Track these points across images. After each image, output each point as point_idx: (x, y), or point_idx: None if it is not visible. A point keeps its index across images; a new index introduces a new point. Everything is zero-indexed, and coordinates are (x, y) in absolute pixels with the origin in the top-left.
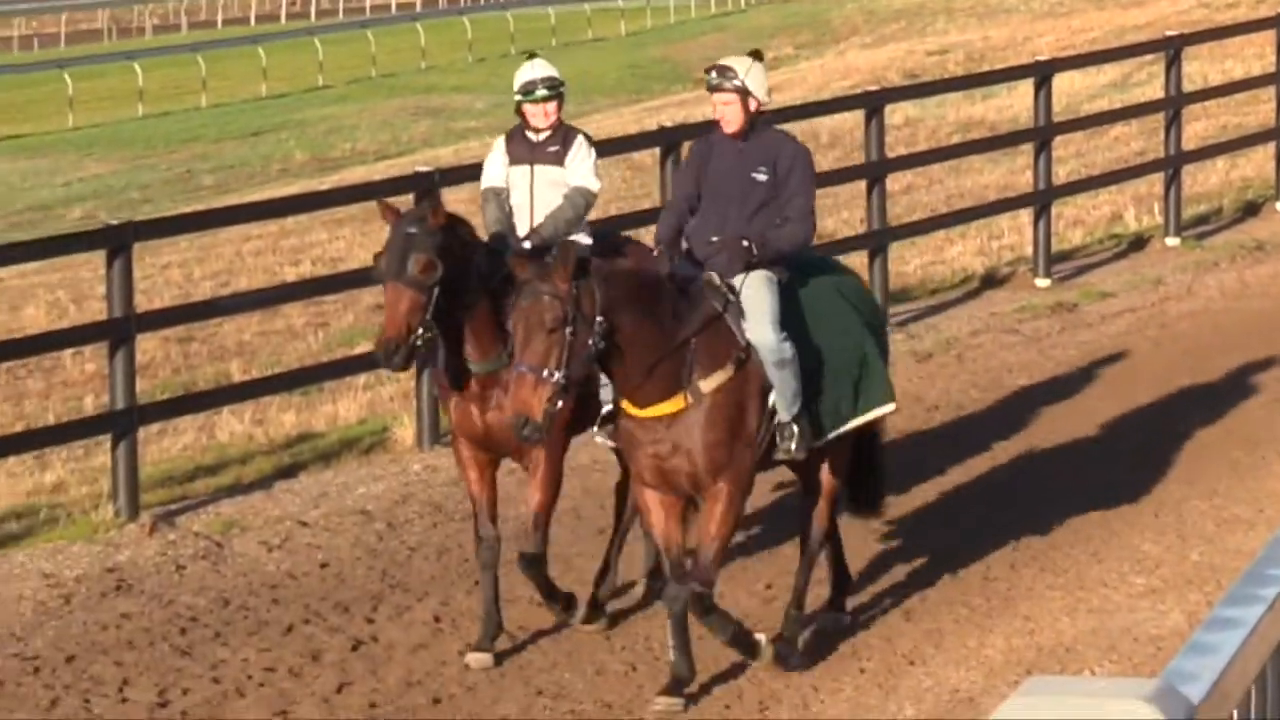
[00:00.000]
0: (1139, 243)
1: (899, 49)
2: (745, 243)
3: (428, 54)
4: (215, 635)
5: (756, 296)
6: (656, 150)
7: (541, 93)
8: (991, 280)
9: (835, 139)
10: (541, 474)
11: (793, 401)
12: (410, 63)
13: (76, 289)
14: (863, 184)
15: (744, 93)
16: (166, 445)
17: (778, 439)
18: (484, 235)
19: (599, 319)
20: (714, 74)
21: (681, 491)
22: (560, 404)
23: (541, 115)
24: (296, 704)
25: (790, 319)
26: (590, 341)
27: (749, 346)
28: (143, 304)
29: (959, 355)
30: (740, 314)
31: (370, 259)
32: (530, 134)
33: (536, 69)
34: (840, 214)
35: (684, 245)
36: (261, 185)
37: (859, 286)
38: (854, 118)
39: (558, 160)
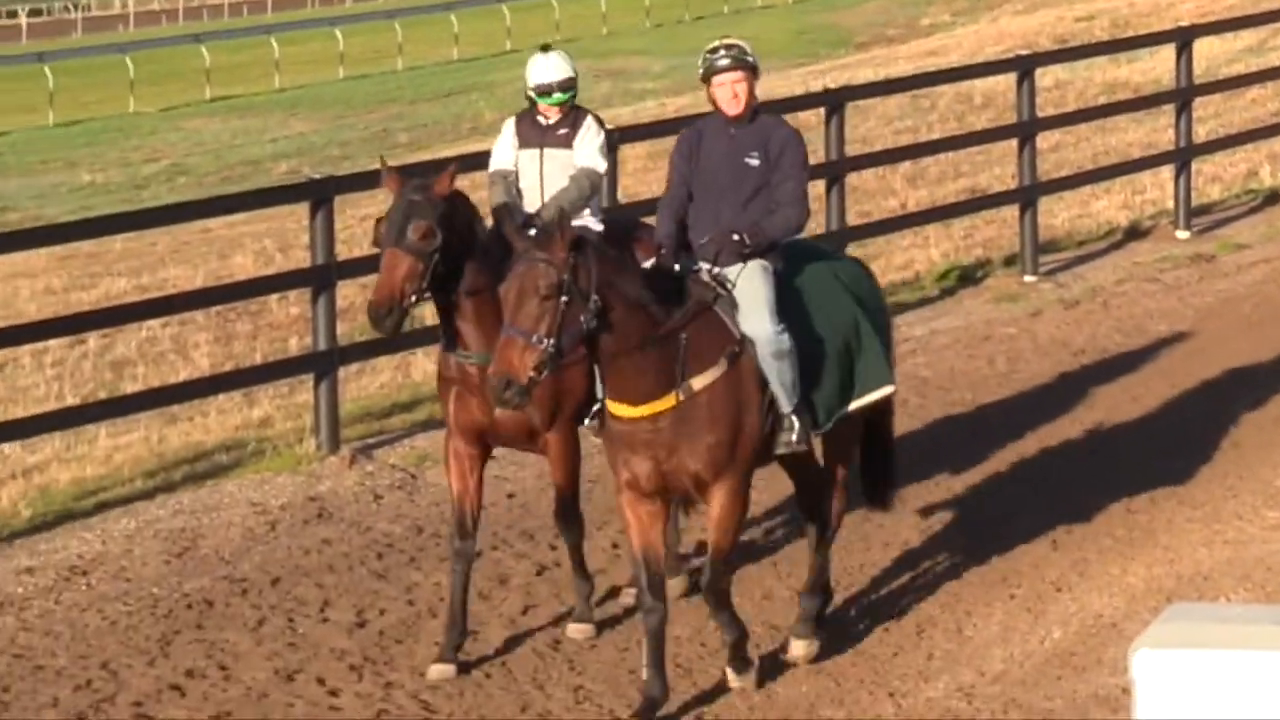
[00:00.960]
0: (1273, 197)
1: (1049, 15)
2: (736, 236)
3: (608, 19)
4: (409, 560)
5: (752, 288)
6: (821, 110)
7: (558, 96)
8: (1135, 232)
9: (989, 100)
10: (557, 454)
11: (792, 392)
12: (592, 28)
13: (282, 238)
14: (1014, 142)
15: (755, 71)
16: (365, 383)
17: (778, 431)
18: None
19: (594, 296)
20: (721, 52)
21: (679, 494)
22: (545, 373)
23: (555, 113)
24: (485, 625)
25: (786, 307)
26: (583, 317)
27: (743, 340)
28: (343, 253)
29: (1104, 302)
30: (734, 306)
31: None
32: (541, 118)
33: (551, 70)
34: (993, 170)
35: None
36: (453, 142)
37: (855, 270)
38: (1006, 80)
39: (567, 143)
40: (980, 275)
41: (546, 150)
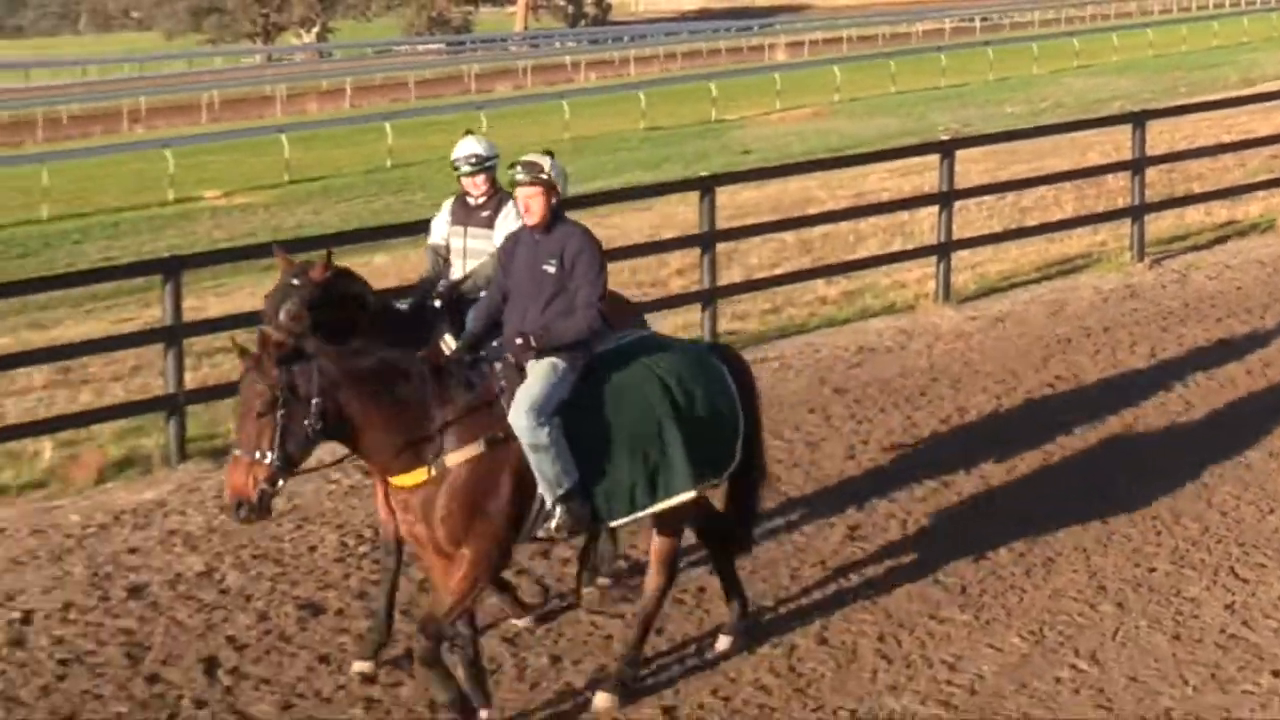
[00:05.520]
0: None
1: None
2: (520, 340)
3: None
4: (1161, 328)
5: (527, 383)
6: None
7: (467, 169)
8: None
9: None
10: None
11: (555, 484)
12: None
13: (1115, 143)
14: None
15: (550, 186)
16: (1163, 224)
17: (544, 519)
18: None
19: (315, 400)
20: (520, 169)
21: (436, 554)
22: (280, 483)
23: (473, 186)
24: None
25: (582, 403)
26: (306, 422)
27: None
28: (1152, 151)
29: None
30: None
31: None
32: (469, 199)
33: (466, 147)
34: None
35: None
36: (1223, 91)
37: (696, 368)
38: None
39: (489, 224)
40: None
41: (470, 229)
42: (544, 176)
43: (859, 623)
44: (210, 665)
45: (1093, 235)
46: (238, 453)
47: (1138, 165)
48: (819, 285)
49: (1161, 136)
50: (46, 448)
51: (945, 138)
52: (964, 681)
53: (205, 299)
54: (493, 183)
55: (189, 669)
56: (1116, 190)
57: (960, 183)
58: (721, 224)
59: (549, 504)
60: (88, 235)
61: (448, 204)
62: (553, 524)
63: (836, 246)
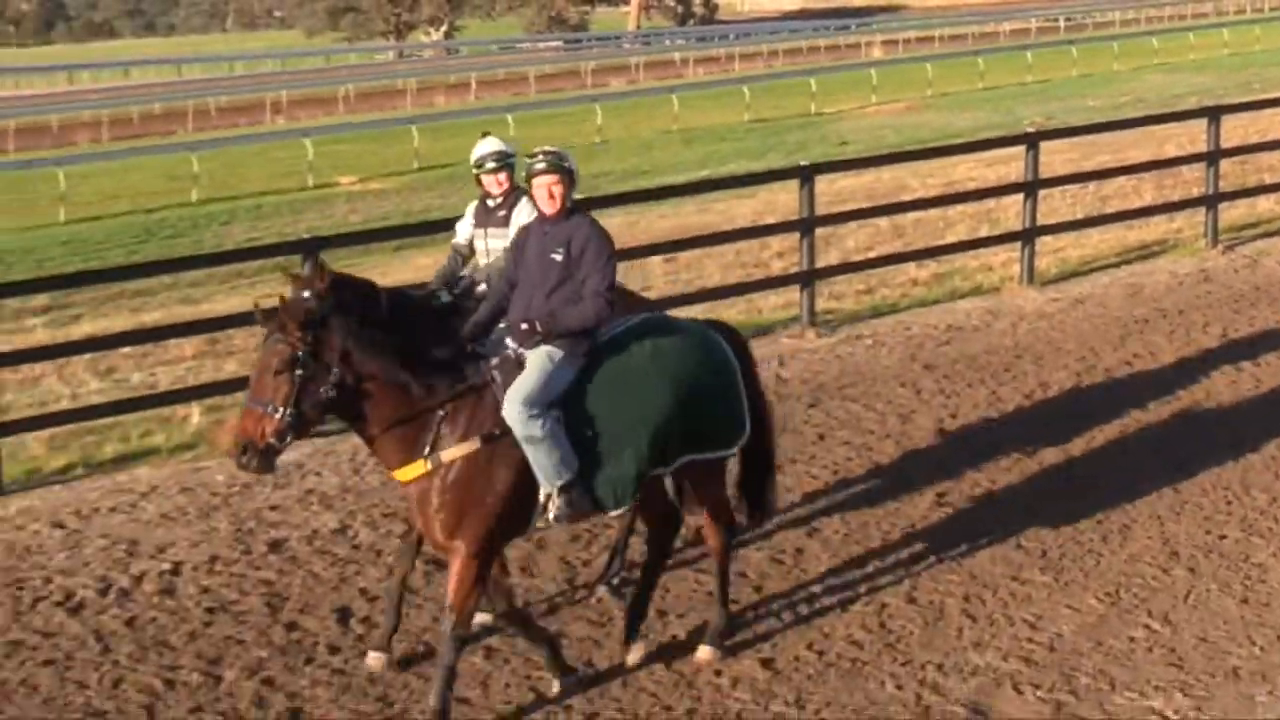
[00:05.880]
0: None
1: None
2: (525, 326)
3: None
4: (1233, 310)
5: (521, 375)
6: None
7: (490, 165)
8: None
9: None
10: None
11: (553, 474)
12: None
13: (1191, 136)
14: None
15: (570, 175)
16: (1235, 213)
17: (544, 508)
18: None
19: (334, 368)
20: (540, 157)
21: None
22: (287, 440)
23: (494, 184)
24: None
25: (585, 392)
26: (323, 389)
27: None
28: (1225, 145)
29: None
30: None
31: None
32: (489, 201)
33: (487, 146)
34: None
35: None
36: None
37: (698, 343)
38: None
39: (505, 223)
40: None
41: (490, 230)
42: (566, 165)
43: (946, 583)
44: (344, 614)
45: (1169, 222)
46: (252, 404)
47: (1212, 157)
48: (910, 268)
49: (1235, 130)
50: (195, 413)
51: (1030, 130)
52: (1044, 639)
53: None
54: (511, 180)
55: (324, 618)
56: (1192, 180)
57: (1044, 173)
58: (820, 210)
59: (544, 495)
60: (234, 217)
61: (471, 207)
62: (550, 515)
63: (927, 232)
